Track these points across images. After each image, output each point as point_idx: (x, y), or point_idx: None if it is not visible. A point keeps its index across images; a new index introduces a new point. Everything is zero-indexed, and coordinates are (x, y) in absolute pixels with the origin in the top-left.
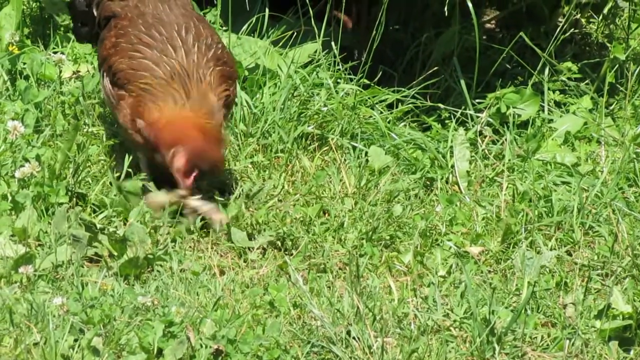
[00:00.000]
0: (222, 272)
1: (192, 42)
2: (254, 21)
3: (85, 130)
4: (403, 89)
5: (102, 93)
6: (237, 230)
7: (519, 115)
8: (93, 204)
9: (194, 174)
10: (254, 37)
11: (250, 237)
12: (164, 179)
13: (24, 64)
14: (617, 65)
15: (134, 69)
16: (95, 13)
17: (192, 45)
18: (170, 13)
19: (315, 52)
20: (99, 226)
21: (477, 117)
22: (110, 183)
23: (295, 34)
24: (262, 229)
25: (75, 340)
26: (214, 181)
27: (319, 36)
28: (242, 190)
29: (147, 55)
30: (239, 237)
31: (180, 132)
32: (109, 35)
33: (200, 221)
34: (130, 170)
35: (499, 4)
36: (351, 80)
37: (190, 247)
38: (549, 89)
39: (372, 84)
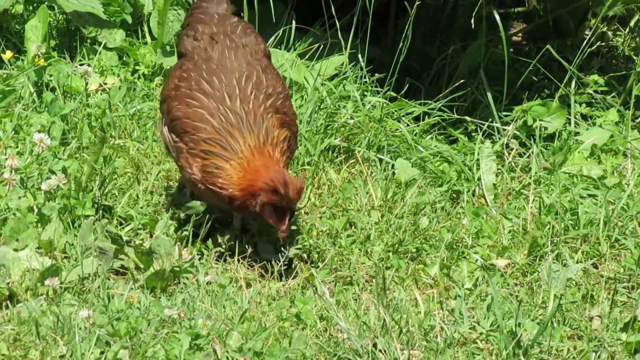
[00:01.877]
0: (248, 285)
1: (250, 90)
2: (281, 33)
3: (111, 142)
4: (430, 102)
5: (158, 133)
6: (264, 243)
7: (546, 128)
8: (119, 217)
9: (287, 217)
10: (281, 49)
11: (278, 250)
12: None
13: (51, 76)
14: None
15: (190, 118)
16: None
17: (249, 93)
18: (235, 60)
19: (342, 64)
20: (125, 238)
21: (504, 129)
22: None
23: (322, 46)
24: (290, 245)
25: (102, 353)
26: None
27: (345, 48)
28: None
29: (203, 104)
30: (266, 249)
31: (255, 184)
32: (174, 74)
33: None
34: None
35: (526, 17)
36: (378, 92)
37: (216, 259)
38: (575, 101)
39: (399, 97)
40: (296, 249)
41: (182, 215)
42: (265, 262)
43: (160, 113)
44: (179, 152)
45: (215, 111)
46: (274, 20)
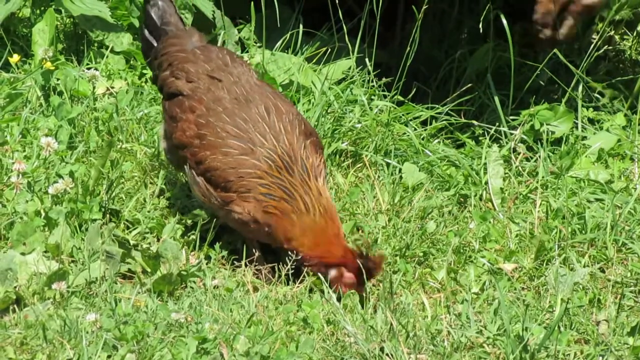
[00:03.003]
0: (255, 289)
1: (276, 122)
2: (288, 37)
3: (118, 146)
4: (437, 106)
5: (190, 183)
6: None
7: (553, 132)
8: (126, 221)
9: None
10: (288, 53)
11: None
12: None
13: (58, 79)
14: None
15: (233, 167)
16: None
17: (277, 126)
18: (247, 95)
19: (349, 68)
20: (132, 242)
21: (511, 134)
22: (144, 199)
23: (329, 50)
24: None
25: (109, 357)
26: None
27: (353, 52)
28: None
29: (241, 149)
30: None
31: (330, 250)
32: (185, 119)
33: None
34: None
35: None
36: (385, 96)
37: (223, 263)
38: (582, 105)
39: (406, 101)
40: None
41: (189, 221)
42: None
43: (177, 156)
44: (227, 200)
45: (254, 154)
46: (281, 24)
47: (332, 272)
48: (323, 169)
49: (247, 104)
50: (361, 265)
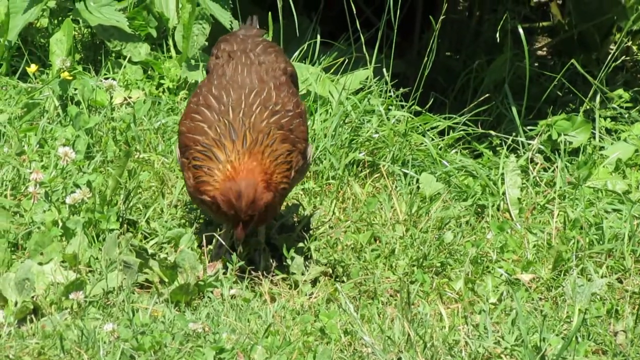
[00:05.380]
0: (272, 299)
1: (256, 105)
2: (305, 47)
3: (136, 156)
4: (454, 116)
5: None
6: (296, 255)
7: (570, 143)
8: (144, 231)
9: (239, 224)
10: (305, 63)
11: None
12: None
13: (75, 89)
14: None
15: (191, 132)
16: None
17: (255, 108)
18: (247, 76)
19: (367, 78)
20: (150, 252)
21: (529, 144)
22: (161, 209)
23: (347, 60)
24: (314, 258)
25: None
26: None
27: (370, 63)
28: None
29: (205, 117)
30: (296, 262)
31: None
32: (193, 92)
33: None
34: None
35: (551, 31)
36: (402, 107)
37: (240, 273)
38: (600, 116)
39: (424, 111)
40: (321, 264)
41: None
42: (290, 275)
43: None
44: (182, 167)
45: (214, 124)
46: (299, 35)
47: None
48: (282, 159)
49: (242, 84)
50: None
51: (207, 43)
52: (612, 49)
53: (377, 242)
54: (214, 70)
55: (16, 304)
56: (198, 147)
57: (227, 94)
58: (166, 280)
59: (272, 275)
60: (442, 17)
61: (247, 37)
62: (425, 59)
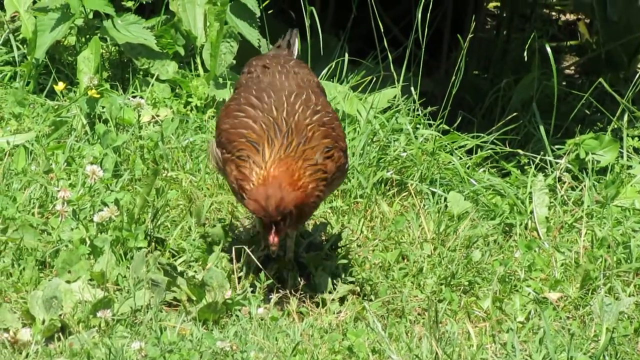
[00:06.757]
0: (300, 318)
1: (298, 105)
2: (333, 66)
3: (164, 174)
4: (482, 135)
5: (210, 158)
6: (322, 273)
7: (598, 162)
8: (172, 249)
9: (272, 228)
10: (333, 81)
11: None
12: None
13: (103, 107)
14: None
15: (235, 127)
16: None
17: (297, 107)
18: (285, 81)
19: (395, 97)
20: (178, 269)
21: (556, 163)
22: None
23: (375, 78)
24: (342, 276)
25: None
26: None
27: (398, 81)
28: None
29: (249, 114)
30: (324, 280)
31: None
32: (225, 104)
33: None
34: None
35: (579, 50)
36: (430, 125)
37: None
38: (628, 135)
39: (452, 130)
40: (349, 282)
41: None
42: (318, 294)
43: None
44: (226, 162)
45: (259, 119)
46: (327, 53)
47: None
48: (326, 154)
49: (282, 87)
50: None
51: (234, 61)
52: (639, 68)
53: (405, 260)
54: (248, 80)
55: (44, 322)
56: (243, 139)
57: (268, 95)
58: (194, 298)
59: (300, 294)
60: (469, 36)
61: (279, 53)
62: (453, 77)
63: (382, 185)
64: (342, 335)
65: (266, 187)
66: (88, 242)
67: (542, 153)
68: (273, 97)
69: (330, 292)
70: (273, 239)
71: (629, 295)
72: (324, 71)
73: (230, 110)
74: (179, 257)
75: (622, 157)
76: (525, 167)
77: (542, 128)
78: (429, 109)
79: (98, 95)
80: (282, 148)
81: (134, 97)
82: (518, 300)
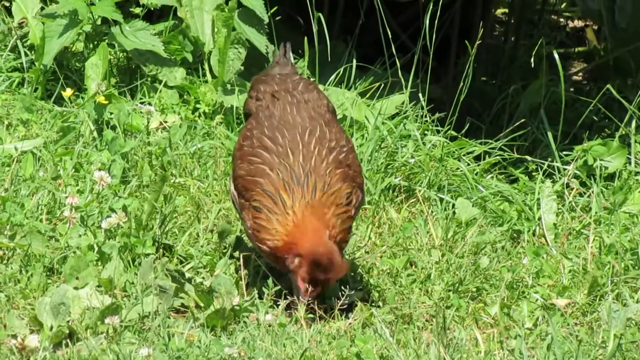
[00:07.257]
0: (309, 324)
1: (313, 145)
2: (341, 72)
3: (172, 181)
4: (490, 141)
5: (230, 197)
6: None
7: (606, 168)
8: (179, 255)
9: (312, 285)
10: (341, 88)
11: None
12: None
13: (111, 114)
14: None
15: (251, 175)
16: None
17: (313, 148)
18: (297, 115)
19: (403, 103)
20: (186, 276)
21: (564, 169)
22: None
23: (383, 85)
24: (350, 283)
25: None
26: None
27: (406, 87)
28: None
29: (265, 160)
30: (332, 286)
31: (302, 244)
32: (240, 134)
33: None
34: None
35: (587, 56)
36: (438, 132)
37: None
38: (636, 141)
39: (460, 136)
40: (357, 289)
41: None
42: (326, 300)
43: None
44: (242, 208)
45: (275, 166)
46: (335, 59)
47: (293, 260)
48: (345, 202)
49: (294, 124)
50: (323, 268)
51: (242, 67)
52: None
53: (413, 267)
54: (258, 111)
55: (52, 328)
56: (259, 189)
57: (282, 134)
58: (202, 304)
59: (308, 300)
60: (477, 43)
61: (285, 77)
62: (461, 84)
63: (390, 191)
64: (350, 342)
65: (316, 246)
66: (96, 248)
67: (550, 159)
68: (287, 136)
69: (338, 299)
70: (312, 293)
71: (637, 302)
72: (332, 77)
73: (244, 153)
74: (187, 264)
75: (630, 163)
76: (533, 174)
77: (550, 134)
78: (437, 115)
79: (106, 102)
80: (302, 193)
81: (142, 103)
82: (526, 307)
